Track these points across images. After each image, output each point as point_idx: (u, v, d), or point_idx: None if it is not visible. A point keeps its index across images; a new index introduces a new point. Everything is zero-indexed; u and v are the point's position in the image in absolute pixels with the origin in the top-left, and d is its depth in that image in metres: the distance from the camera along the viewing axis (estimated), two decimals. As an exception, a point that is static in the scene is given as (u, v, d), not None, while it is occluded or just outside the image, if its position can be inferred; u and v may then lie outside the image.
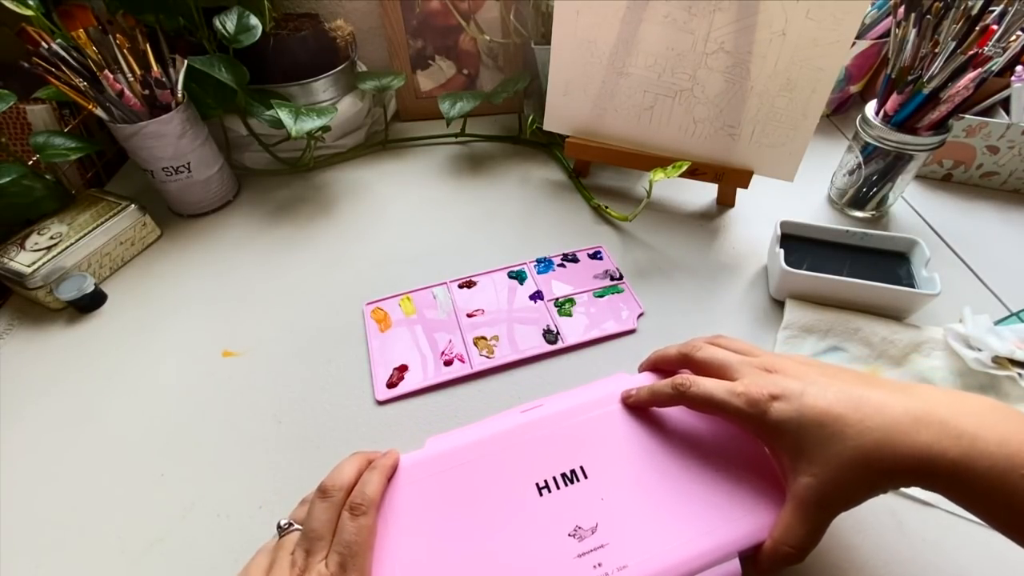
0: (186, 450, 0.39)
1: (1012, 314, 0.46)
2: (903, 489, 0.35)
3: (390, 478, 0.30)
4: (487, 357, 0.44)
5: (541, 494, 0.29)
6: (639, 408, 0.33)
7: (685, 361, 0.33)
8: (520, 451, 0.31)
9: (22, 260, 0.48)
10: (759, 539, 0.28)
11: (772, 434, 0.27)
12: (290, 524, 0.29)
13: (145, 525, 0.35)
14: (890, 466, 0.24)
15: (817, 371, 0.28)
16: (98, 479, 0.37)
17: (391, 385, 0.42)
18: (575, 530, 0.28)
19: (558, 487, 0.30)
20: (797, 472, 0.26)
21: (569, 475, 0.30)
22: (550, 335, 0.45)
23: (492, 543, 0.28)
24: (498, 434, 0.32)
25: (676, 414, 0.33)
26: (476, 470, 0.31)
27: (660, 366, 0.35)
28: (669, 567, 0.27)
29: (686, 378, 0.30)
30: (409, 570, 0.27)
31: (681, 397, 0.30)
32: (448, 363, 0.43)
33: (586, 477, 0.30)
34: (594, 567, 0.27)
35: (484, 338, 0.45)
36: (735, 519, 0.28)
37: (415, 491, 0.30)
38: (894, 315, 0.44)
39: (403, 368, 0.43)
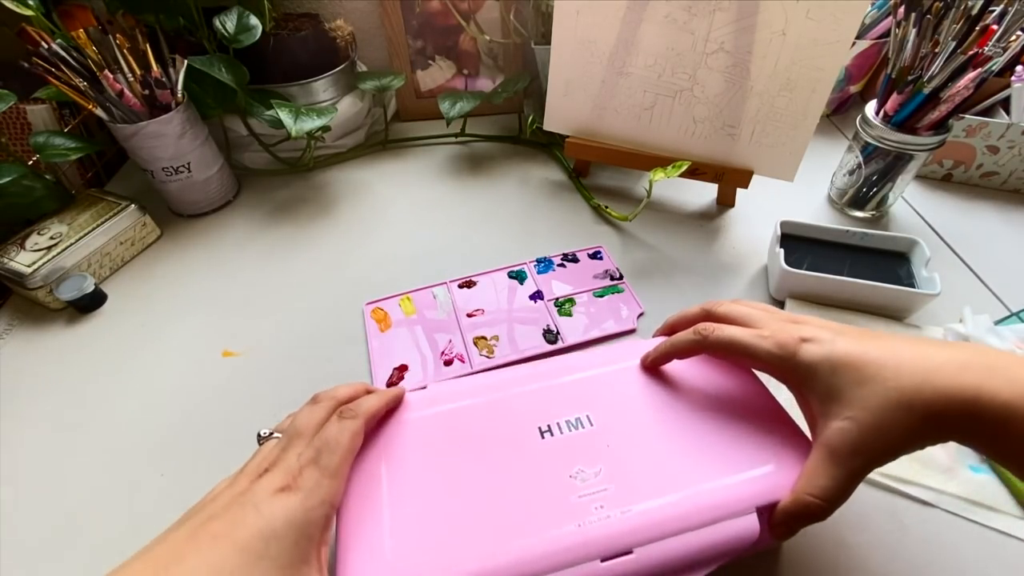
0: (186, 450, 0.39)
1: (1012, 314, 0.46)
2: (903, 488, 0.35)
3: (391, 409, 0.29)
4: (487, 357, 0.44)
5: (543, 437, 0.28)
6: (655, 369, 0.31)
7: (706, 317, 0.31)
8: (524, 397, 0.30)
9: (22, 260, 0.47)
10: (779, 496, 0.26)
11: (802, 376, 0.25)
12: (271, 433, 0.27)
13: (145, 525, 0.35)
14: (934, 408, 0.22)
15: (846, 327, 0.27)
16: (98, 479, 0.37)
17: (391, 385, 0.42)
18: (577, 472, 0.27)
19: (561, 432, 0.28)
20: (829, 417, 0.24)
21: (574, 421, 0.29)
22: (550, 335, 0.45)
23: (488, 482, 0.27)
24: (503, 380, 0.31)
25: (691, 370, 0.31)
26: (477, 411, 0.30)
27: (679, 328, 0.33)
28: (676, 515, 0.25)
29: (709, 324, 0.29)
30: (401, 505, 0.26)
31: (703, 342, 0.28)
32: (448, 363, 0.43)
33: (592, 425, 0.29)
34: (595, 508, 0.25)
35: (484, 338, 0.45)
36: (753, 473, 0.26)
37: (412, 426, 0.29)
38: (894, 315, 0.44)
39: (403, 368, 0.43)
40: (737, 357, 0.28)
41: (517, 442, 0.28)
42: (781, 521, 0.25)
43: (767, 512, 0.26)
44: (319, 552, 0.23)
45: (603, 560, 0.24)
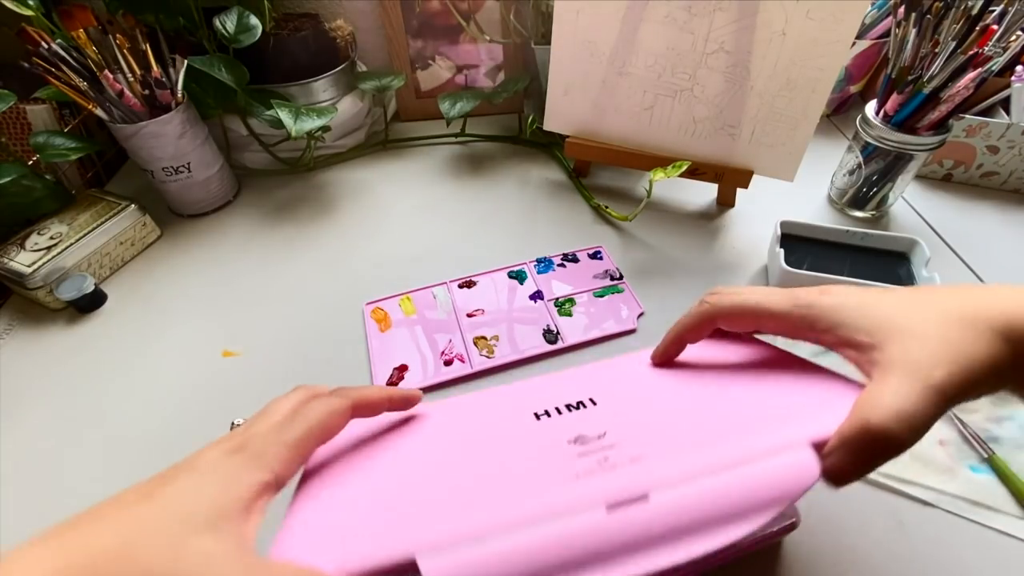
0: (186, 450, 0.39)
1: (1012, 314, 0.46)
2: (903, 488, 0.35)
3: (394, 408, 0.27)
4: (487, 357, 0.44)
5: (539, 419, 0.25)
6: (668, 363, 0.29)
7: (712, 316, 0.27)
8: (520, 389, 0.28)
9: (22, 260, 0.47)
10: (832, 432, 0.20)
11: (828, 322, 0.22)
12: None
13: (145, 525, 0.35)
14: (984, 319, 0.20)
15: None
16: (98, 479, 0.37)
17: (391, 385, 0.42)
18: (577, 438, 0.23)
19: (559, 413, 0.25)
20: (884, 344, 0.21)
21: (574, 404, 0.25)
22: (550, 335, 0.45)
23: (475, 459, 0.24)
24: (499, 388, 0.30)
25: (703, 352, 0.28)
26: (470, 409, 0.28)
27: (685, 336, 0.29)
28: (708, 461, 0.20)
29: (716, 289, 0.27)
30: (375, 479, 0.24)
31: (712, 310, 0.26)
32: (448, 363, 0.43)
33: (595, 404, 0.25)
34: (599, 463, 0.21)
35: (484, 338, 0.45)
36: (795, 412, 0.22)
37: (403, 424, 0.27)
38: (894, 315, 0.44)
39: (403, 368, 0.43)
40: (750, 320, 0.25)
41: (510, 426, 0.25)
42: (852, 448, 0.19)
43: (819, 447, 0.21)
44: (245, 520, 0.20)
45: (609, 508, 0.18)
